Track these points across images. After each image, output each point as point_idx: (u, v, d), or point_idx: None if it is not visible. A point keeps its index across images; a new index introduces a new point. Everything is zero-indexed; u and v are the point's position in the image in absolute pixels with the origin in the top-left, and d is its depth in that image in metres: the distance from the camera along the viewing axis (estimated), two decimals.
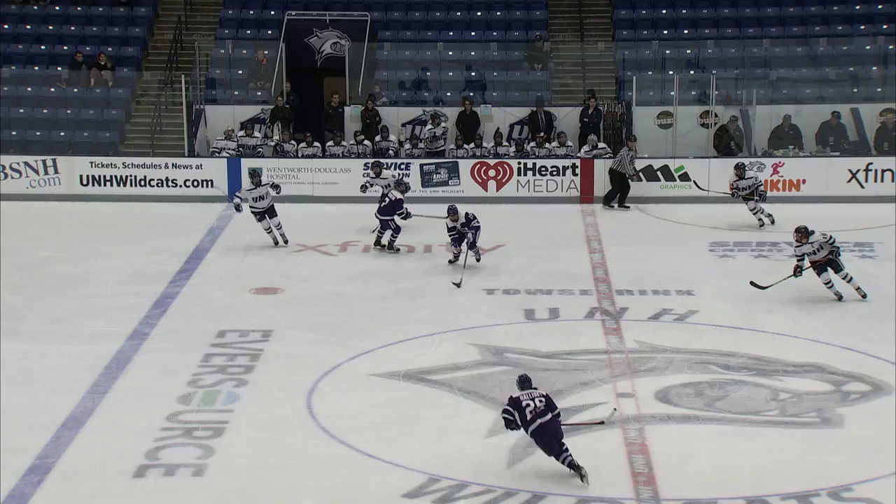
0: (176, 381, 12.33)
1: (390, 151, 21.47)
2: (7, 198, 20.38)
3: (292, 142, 21.62)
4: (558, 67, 23.75)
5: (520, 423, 10.20)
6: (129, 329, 13.96)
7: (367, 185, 18.72)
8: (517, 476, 10.28)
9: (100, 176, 20.86)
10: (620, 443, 10.92)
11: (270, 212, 17.56)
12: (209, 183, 20.72)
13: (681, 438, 11.10)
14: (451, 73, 23.47)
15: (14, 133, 21.91)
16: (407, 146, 21.64)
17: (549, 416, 10.15)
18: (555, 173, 20.88)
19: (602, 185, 20.78)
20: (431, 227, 17.62)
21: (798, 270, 14.66)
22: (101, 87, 22.84)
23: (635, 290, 15.62)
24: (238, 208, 17.61)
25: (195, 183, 20.80)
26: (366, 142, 21.61)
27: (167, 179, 20.82)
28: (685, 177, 20.76)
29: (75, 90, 22.79)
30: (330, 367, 12.80)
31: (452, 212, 16.27)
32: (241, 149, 21.44)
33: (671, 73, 22.58)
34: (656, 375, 12.57)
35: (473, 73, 23.39)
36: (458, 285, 15.57)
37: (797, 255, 14.73)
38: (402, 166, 20.91)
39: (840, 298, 14.68)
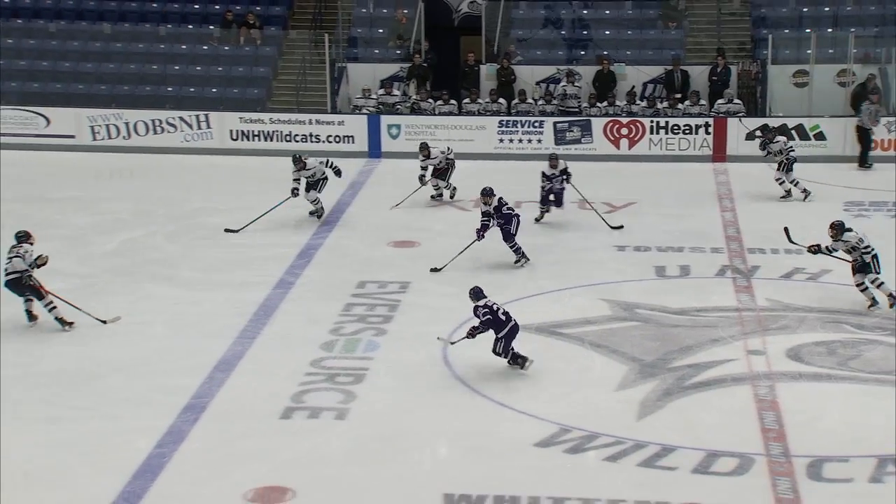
0: (319, 328, 12.59)
1: (530, 112, 21.36)
2: (164, 151, 20.97)
3: (429, 99, 21.70)
4: (693, 26, 23.27)
5: (493, 327, 11.16)
6: (276, 278, 14.27)
7: (423, 175, 17.57)
8: (646, 428, 10.25)
9: (248, 131, 21.29)
10: (751, 399, 10.79)
11: (315, 185, 16.58)
12: (350, 139, 20.96)
13: (812, 396, 10.91)
14: (585, 32, 23.20)
15: (170, 89, 22.48)
16: (541, 104, 21.52)
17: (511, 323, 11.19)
18: (687, 132, 20.52)
19: (735, 143, 20.35)
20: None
21: (815, 249, 13.28)
22: (249, 46, 23.24)
23: (767, 248, 15.32)
24: (295, 192, 16.47)
25: (337, 138, 21.08)
26: (500, 99, 21.56)
27: (311, 135, 21.13)
28: (820, 136, 20.21)
29: (226, 48, 23.25)
30: (465, 319, 12.84)
31: (486, 194, 14.65)
32: (380, 106, 21.62)
33: (808, 31, 21.91)
34: (788, 333, 12.35)
35: (608, 32, 23.08)
36: (438, 270, 14.48)
37: (832, 247, 13.16)
38: (536, 124, 20.82)
39: (874, 304, 13.00)
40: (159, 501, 9.07)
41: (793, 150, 17.91)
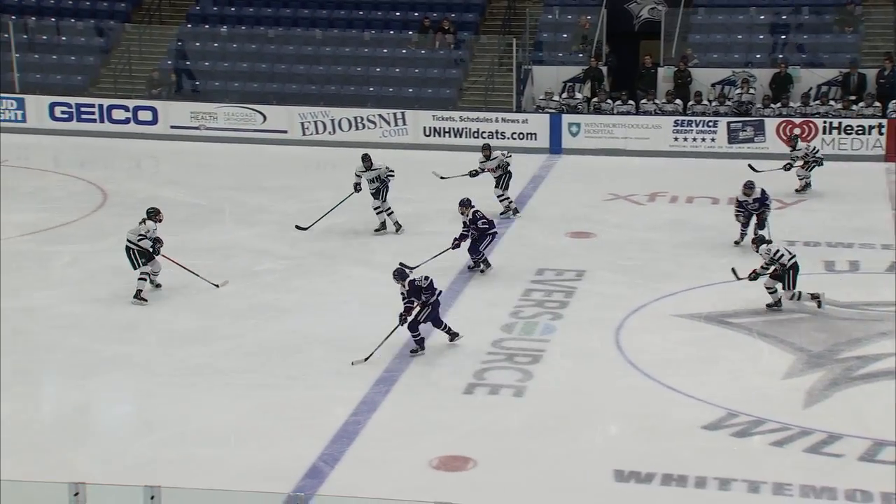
0: (500, 311, 12.56)
1: (705, 112, 20.80)
2: (364, 145, 21.26)
3: (608, 100, 21.39)
4: (869, 31, 22.16)
5: (419, 302, 11.02)
6: (461, 264, 14.29)
7: (475, 171, 16.66)
8: (813, 416, 9.84)
9: (440, 128, 21.45)
10: None
11: (381, 194, 15.80)
12: (533, 136, 20.86)
13: None
14: (761, 37, 22.42)
15: (371, 89, 22.85)
16: (715, 105, 20.92)
17: (438, 292, 11.11)
18: (860, 132, 19.58)
19: None
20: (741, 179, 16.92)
21: (753, 276, 12.36)
22: (444, 49, 23.39)
23: None
24: (357, 188, 15.81)
25: (520, 135, 21.01)
26: (677, 100, 21.06)
27: (496, 132, 21.13)
28: None
29: (422, 52, 23.46)
30: (636, 307, 12.66)
31: (463, 204, 13.72)
32: (562, 106, 21.44)
33: None
34: None
35: (783, 37, 22.25)
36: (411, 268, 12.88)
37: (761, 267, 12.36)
38: (710, 124, 20.25)
39: (769, 306, 12.28)
40: (354, 464, 9.21)
41: (816, 151, 17.45)
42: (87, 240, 15.32)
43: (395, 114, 21.56)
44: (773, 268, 12.26)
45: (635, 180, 18.19)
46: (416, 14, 24.20)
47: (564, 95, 21.61)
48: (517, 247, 15.16)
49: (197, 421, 10.00)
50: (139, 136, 21.73)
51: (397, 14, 24.45)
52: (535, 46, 23.13)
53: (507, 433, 9.74)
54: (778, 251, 12.23)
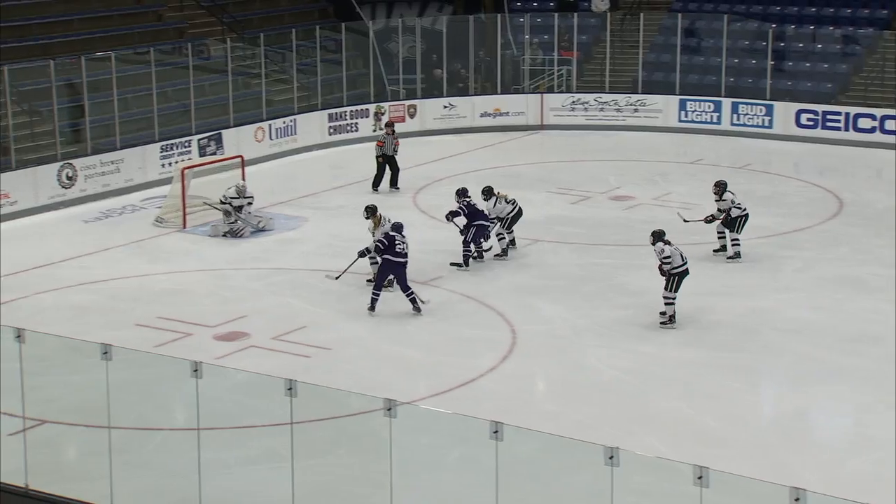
0: None
1: None
2: None
3: None
4: None
5: (386, 254, 12.36)
6: None
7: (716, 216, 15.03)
8: None
9: None
10: None
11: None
12: None
13: None
14: None
15: None
16: None
17: (406, 260, 12.47)
18: None
19: None
20: None
21: (709, 219, 14.61)
22: None
23: None
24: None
25: None
26: None
27: None
28: None
29: None
30: None
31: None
32: None
33: None
34: None
35: None
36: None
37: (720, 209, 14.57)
38: None
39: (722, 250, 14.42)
40: None
41: None
42: (817, 247, 15.40)
43: None
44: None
45: None
46: None
47: None
48: None
49: None
50: (883, 146, 21.18)
51: None
52: None
53: None
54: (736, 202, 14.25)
